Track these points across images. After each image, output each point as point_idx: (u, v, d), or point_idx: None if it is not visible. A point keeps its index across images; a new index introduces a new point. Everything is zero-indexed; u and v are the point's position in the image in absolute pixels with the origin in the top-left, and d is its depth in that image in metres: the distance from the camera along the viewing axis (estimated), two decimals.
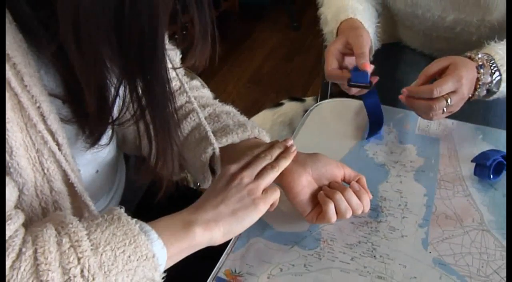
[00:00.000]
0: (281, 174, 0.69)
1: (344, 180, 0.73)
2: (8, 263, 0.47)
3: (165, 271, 0.56)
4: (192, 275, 0.66)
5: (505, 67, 0.85)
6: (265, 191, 0.65)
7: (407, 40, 1.24)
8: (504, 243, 0.70)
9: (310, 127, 0.96)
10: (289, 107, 1.60)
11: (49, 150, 0.54)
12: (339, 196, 0.69)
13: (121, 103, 0.57)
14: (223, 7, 2.79)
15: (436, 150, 0.87)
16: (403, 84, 0.87)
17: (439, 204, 0.77)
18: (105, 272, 0.49)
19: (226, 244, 0.68)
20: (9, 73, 0.49)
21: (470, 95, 0.86)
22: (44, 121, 0.54)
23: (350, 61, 0.92)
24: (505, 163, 0.79)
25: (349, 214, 0.69)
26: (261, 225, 0.73)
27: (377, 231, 0.73)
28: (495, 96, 0.89)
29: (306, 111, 1.02)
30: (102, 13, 0.46)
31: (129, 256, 0.51)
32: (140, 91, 0.54)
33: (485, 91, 0.87)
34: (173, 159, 0.63)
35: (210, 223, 0.59)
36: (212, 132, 0.73)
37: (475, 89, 0.86)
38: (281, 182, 0.70)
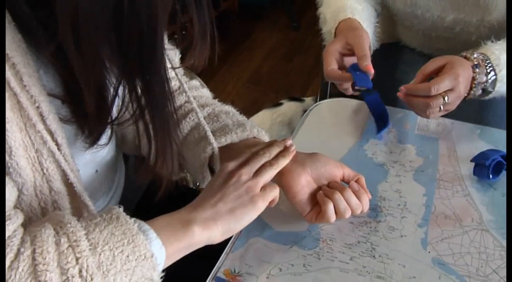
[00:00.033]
0: (280, 173, 0.69)
1: (343, 180, 0.73)
2: (6, 263, 0.46)
3: (163, 271, 0.56)
4: (191, 275, 0.66)
5: (500, 67, 0.86)
6: (263, 188, 0.64)
7: (407, 40, 1.24)
8: (503, 242, 0.70)
9: (309, 127, 0.95)
10: (288, 107, 1.59)
11: (48, 150, 0.54)
12: (338, 195, 0.69)
13: (121, 103, 0.57)
14: (222, 7, 2.78)
15: (435, 149, 0.87)
16: (403, 84, 0.87)
17: (438, 204, 0.77)
18: (103, 272, 0.49)
19: (225, 243, 0.68)
20: (8, 73, 0.49)
21: (466, 94, 0.87)
22: (43, 121, 0.54)
23: (349, 61, 0.92)
24: (504, 162, 0.79)
25: (348, 214, 0.69)
26: (261, 224, 0.73)
27: (376, 231, 0.73)
28: (490, 95, 0.89)
29: (305, 111, 1.02)
30: (101, 13, 0.46)
31: (128, 256, 0.51)
32: (139, 91, 0.53)
33: (480, 91, 0.88)
34: (173, 159, 0.63)
35: (209, 221, 0.59)
36: (211, 132, 0.73)
37: (471, 88, 0.86)
38: (280, 181, 0.70)
